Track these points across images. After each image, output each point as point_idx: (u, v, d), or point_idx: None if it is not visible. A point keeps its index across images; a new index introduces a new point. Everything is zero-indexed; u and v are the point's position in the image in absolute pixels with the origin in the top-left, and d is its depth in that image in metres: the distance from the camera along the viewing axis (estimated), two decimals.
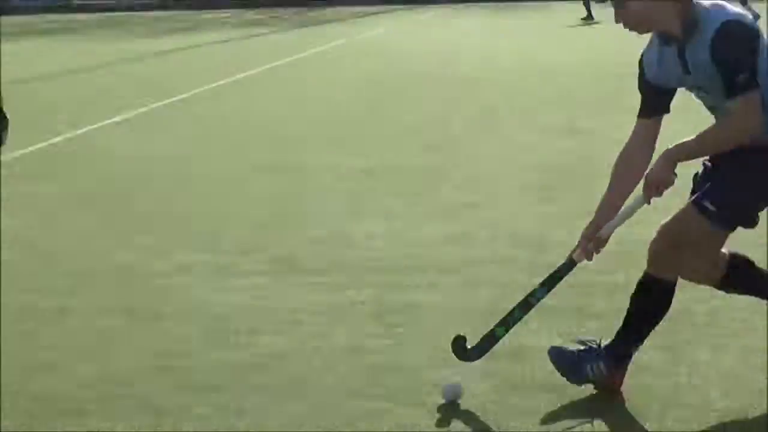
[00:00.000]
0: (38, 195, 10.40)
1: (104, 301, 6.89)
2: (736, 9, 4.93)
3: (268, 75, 21.28)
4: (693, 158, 5.00)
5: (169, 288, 7.13)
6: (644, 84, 5.11)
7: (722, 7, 4.90)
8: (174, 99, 17.42)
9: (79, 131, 14.40)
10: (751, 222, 5.08)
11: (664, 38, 4.97)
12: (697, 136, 4.92)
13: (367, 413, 5.04)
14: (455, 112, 15.38)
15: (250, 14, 44.57)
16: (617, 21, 4.97)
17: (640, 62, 5.12)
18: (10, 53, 28.00)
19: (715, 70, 4.82)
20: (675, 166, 4.90)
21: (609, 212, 5.11)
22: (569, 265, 5.22)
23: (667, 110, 5.12)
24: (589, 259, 5.16)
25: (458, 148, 12.35)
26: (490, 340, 5.25)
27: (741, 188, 4.95)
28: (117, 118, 15.43)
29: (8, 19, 44.07)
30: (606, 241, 5.12)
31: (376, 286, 7.04)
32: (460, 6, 46.46)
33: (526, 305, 5.29)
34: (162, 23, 40.85)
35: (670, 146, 4.92)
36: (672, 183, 4.93)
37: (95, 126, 14.73)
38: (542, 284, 5.29)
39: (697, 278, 5.32)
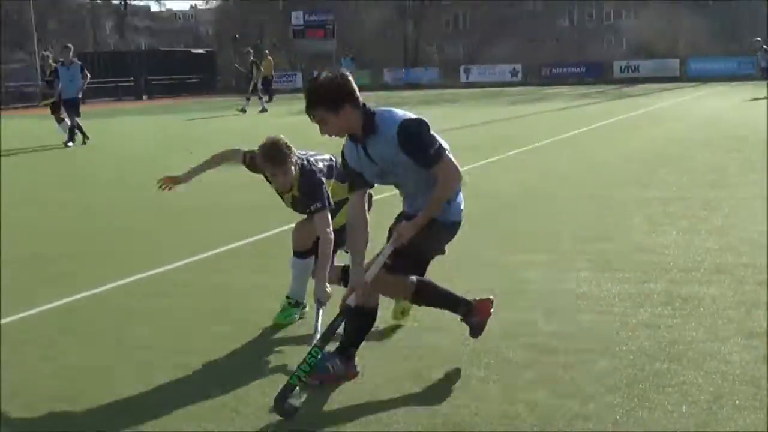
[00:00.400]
0: None
1: (470, 283, 6.83)
2: (404, 111, 4.79)
3: (591, 132, 20.93)
4: (429, 218, 4.82)
5: (517, 278, 7.16)
6: (347, 168, 4.98)
7: (394, 113, 4.79)
8: (525, 148, 17.50)
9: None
10: (416, 270, 5.10)
11: (352, 138, 4.86)
12: (427, 205, 4.82)
13: (656, 372, 4.89)
14: (729, 160, 14.73)
15: (582, 89, 44.12)
16: (323, 133, 4.82)
17: (342, 153, 4.99)
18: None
19: (404, 158, 4.71)
20: (418, 228, 4.81)
21: (361, 263, 4.90)
22: (347, 311, 4.92)
23: (371, 186, 4.99)
24: (360, 302, 4.91)
25: (728, 184, 11.85)
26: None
27: (406, 253, 4.90)
28: (491, 159, 15.64)
29: (411, 93, 45.57)
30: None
31: (668, 281, 6.84)
32: (734, 84, 44.49)
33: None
34: (519, 96, 41.09)
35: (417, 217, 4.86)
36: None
37: (476, 164, 14.98)
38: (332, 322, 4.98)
39: (395, 297, 5.49)
